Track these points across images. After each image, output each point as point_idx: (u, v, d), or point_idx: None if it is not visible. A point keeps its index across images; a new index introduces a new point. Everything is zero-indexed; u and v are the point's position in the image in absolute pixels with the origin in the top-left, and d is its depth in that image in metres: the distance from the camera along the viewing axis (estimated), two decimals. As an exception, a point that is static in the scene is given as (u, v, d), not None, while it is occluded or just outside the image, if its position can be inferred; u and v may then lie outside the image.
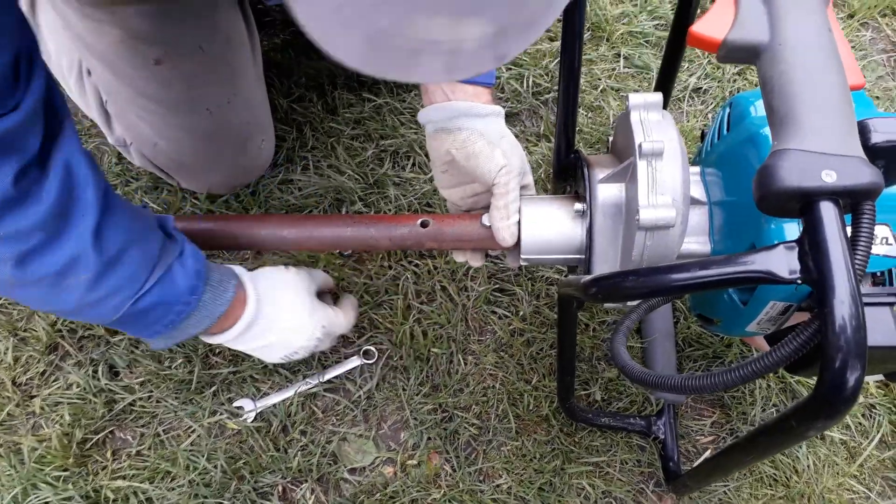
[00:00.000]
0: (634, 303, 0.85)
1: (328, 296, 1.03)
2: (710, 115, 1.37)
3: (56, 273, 0.66)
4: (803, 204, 0.53)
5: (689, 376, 0.59)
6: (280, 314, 0.89)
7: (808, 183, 0.52)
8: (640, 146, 0.70)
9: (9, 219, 0.62)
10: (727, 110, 0.84)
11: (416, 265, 1.13)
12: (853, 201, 0.53)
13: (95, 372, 1.00)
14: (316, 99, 1.24)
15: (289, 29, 1.32)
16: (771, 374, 1.13)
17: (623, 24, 1.43)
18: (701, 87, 1.39)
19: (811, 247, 0.52)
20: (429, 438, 1.04)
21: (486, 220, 0.86)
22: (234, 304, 0.84)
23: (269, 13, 1.32)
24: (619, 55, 1.40)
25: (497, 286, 1.14)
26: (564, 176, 0.92)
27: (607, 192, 0.78)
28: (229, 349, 0.97)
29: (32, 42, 0.62)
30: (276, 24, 1.32)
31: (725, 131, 0.84)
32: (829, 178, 0.52)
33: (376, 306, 1.12)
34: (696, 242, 0.82)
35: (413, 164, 1.21)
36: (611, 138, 0.88)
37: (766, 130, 0.76)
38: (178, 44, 0.91)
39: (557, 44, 1.39)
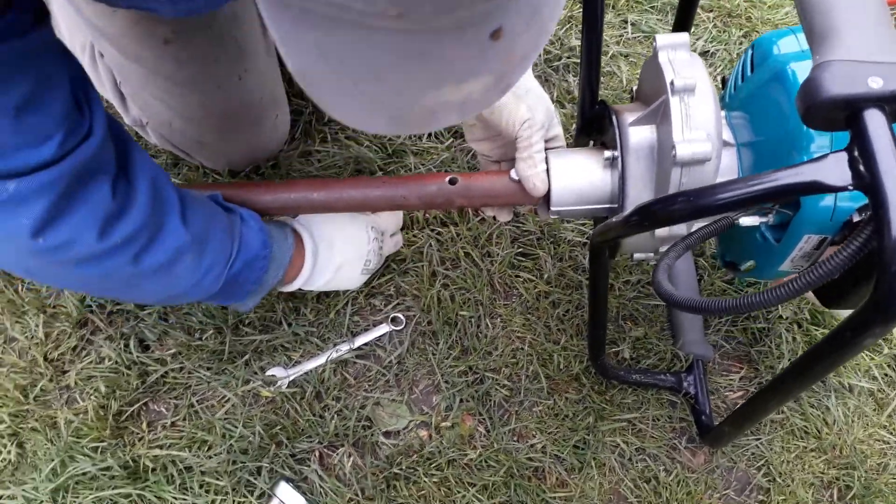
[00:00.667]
0: (667, 246, 0.85)
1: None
2: (717, 78, 1.37)
3: (166, 262, 0.74)
4: (850, 113, 0.54)
5: (740, 297, 0.59)
6: (332, 235, 0.96)
7: (854, 90, 0.52)
8: (671, 83, 0.71)
9: (119, 228, 0.69)
10: (750, 52, 0.85)
11: (439, 233, 1.13)
12: (900, 110, 0.54)
13: (127, 346, 1.00)
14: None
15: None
16: (796, 328, 1.14)
17: (628, -9, 1.44)
18: (708, 51, 1.39)
19: (861, 153, 0.52)
20: (461, 401, 1.04)
21: (514, 174, 0.86)
22: (296, 248, 0.92)
23: None
24: (626, 21, 1.40)
25: (520, 250, 1.14)
26: (588, 131, 0.92)
27: (638, 135, 0.79)
28: (307, 292, 1.05)
29: (80, 68, 0.68)
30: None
31: (749, 72, 0.84)
32: (876, 84, 0.52)
33: (402, 273, 1.12)
34: (728, 183, 0.82)
35: (431, 135, 1.21)
36: (635, 87, 0.89)
37: (792, 66, 0.77)
38: (185, 22, 0.93)
39: (564, 12, 1.39)
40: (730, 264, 0.94)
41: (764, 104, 0.80)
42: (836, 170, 0.52)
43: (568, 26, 1.37)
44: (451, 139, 1.21)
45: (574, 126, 0.96)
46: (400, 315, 1.09)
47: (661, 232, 0.80)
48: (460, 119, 0.51)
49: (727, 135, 0.84)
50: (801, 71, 0.74)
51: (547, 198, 0.86)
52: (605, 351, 1.02)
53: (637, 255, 0.91)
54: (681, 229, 0.81)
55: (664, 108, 0.73)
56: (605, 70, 1.33)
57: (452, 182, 0.88)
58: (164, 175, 0.77)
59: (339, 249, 0.96)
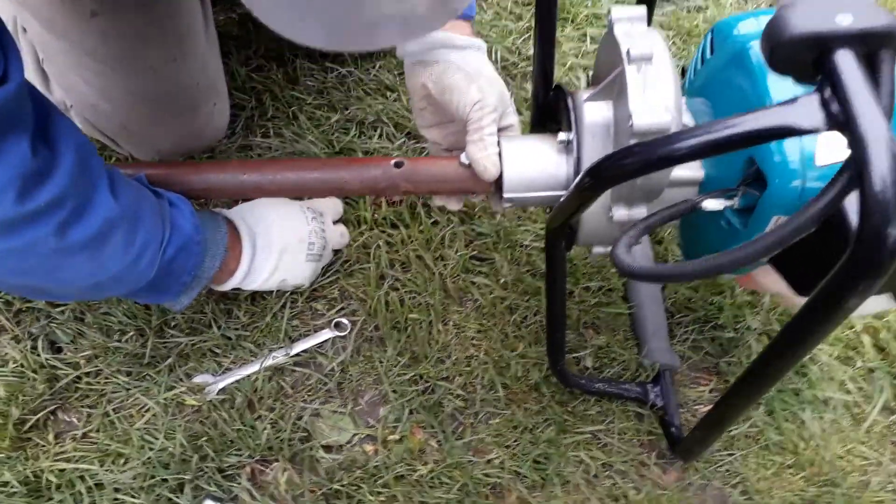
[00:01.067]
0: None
1: None
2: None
3: (95, 236, 0.67)
4: (818, 55, 0.49)
5: (707, 258, 0.53)
6: (267, 217, 0.90)
7: (822, 27, 0.48)
8: (627, 51, 0.66)
9: (42, 191, 0.62)
10: (709, 36, 0.81)
11: (389, 234, 1.06)
12: (870, 50, 0.49)
13: (34, 347, 0.89)
14: (276, 68, 1.18)
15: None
16: (766, 339, 1.08)
17: (586, 6, 1.42)
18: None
19: (834, 92, 0.47)
20: (410, 412, 0.95)
21: (464, 158, 0.80)
22: (231, 235, 0.85)
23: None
24: (585, 35, 1.38)
25: (475, 253, 1.08)
26: (543, 121, 0.87)
27: (594, 112, 0.73)
28: (243, 291, 0.97)
29: None
30: (235, -2, 1.27)
31: (709, 55, 0.80)
32: (845, 20, 0.48)
33: (347, 275, 1.04)
34: (688, 168, 0.77)
35: (381, 135, 1.15)
36: (590, 73, 0.84)
37: (752, 44, 0.73)
38: (120, 1, 0.87)
39: (522, 23, 1.36)
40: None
41: (724, 87, 0.76)
42: (806, 112, 0.47)
43: (526, 36, 1.34)
44: (404, 139, 1.15)
45: (530, 120, 0.91)
46: (344, 320, 1.01)
47: (619, 215, 0.74)
48: (403, 39, 0.49)
49: (688, 119, 0.79)
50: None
51: (499, 184, 0.80)
52: (566, 357, 0.94)
53: (596, 250, 0.85)
54: (640, 212, 0.75)
55: (620, 79, 0.68)
56: (564, 80, 1.30)
57: (398, 165, 0.81)
58: (90, 145, 0.70)
59: (278, 234, 0.89)
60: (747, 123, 0.47)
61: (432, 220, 1.08)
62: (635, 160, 0.51)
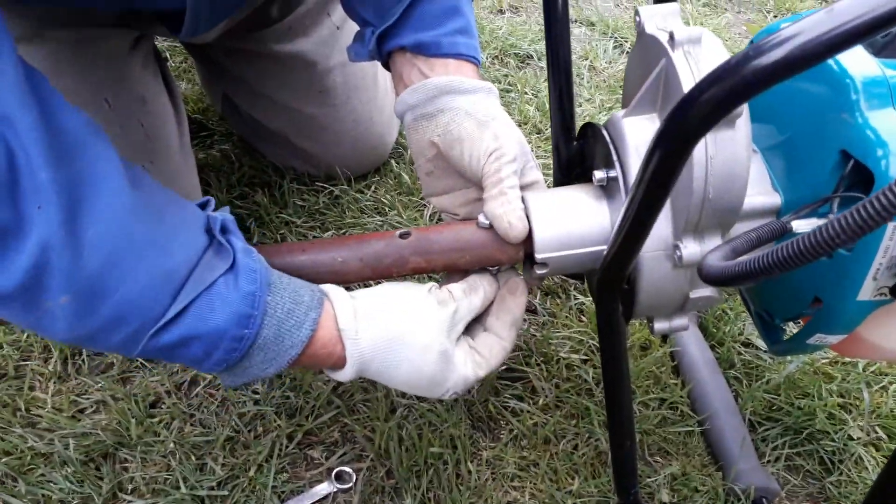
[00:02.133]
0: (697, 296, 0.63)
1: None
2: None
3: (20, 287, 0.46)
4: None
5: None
6: (395, 372, 0.62)
7: None
8: (671, 35, 0.55)
9: None
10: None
11: (398, 358, 0.88)
12: None
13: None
14: (262, 193, 1.08)
15: (229, 139, 1.19)
16: (874, 450, 0.86)
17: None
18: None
19: None
20: (441, 581, 0.70)
21: (483, 218, 0.66)
22: (320, 342, 0.59)
23: (206, 127, 1.21)
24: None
25: (504, 368, 0.89)
26: (569, 176, 0.75)
27: (636, 129, 0.60)
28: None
29: None
30: (215, 135, 1.20)
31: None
32: None
33: (349, 410, 0.84)
34: (761, 194, 0.63)
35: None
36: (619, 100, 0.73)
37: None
38: (79, 90, 0.80)
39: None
40: (770, 326, 0.71)
41: (776, 96, 0.64)
42: None
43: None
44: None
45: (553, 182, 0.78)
46: (347, 468, 0.79)
47: (689, 252, 0.58)
48: None
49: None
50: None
51: (529, 248, 0.65)
52: (638, 480, 0.72)
53: (658, 326, 0.68)
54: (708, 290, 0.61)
55: (665, 75, 0.57)
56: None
57: (404, 236, 0.66)
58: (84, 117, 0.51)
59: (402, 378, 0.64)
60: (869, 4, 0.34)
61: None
62: (737, 78, 0.37)
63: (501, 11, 1.71)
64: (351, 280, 0.67)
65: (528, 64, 1.51)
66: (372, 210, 1.07)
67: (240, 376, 0.58)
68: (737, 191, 0.56)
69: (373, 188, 1.11)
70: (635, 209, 0.49)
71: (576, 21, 1.71)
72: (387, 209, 1.08)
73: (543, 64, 1.47)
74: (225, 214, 0.58)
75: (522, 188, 0.68)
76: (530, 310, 0.98)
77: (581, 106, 1.39)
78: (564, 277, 1.02)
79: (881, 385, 0.92)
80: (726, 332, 0.95)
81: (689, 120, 0.40)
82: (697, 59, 0.54)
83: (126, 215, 0.49)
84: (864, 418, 0.89)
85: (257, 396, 0.85)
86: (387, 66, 0.76)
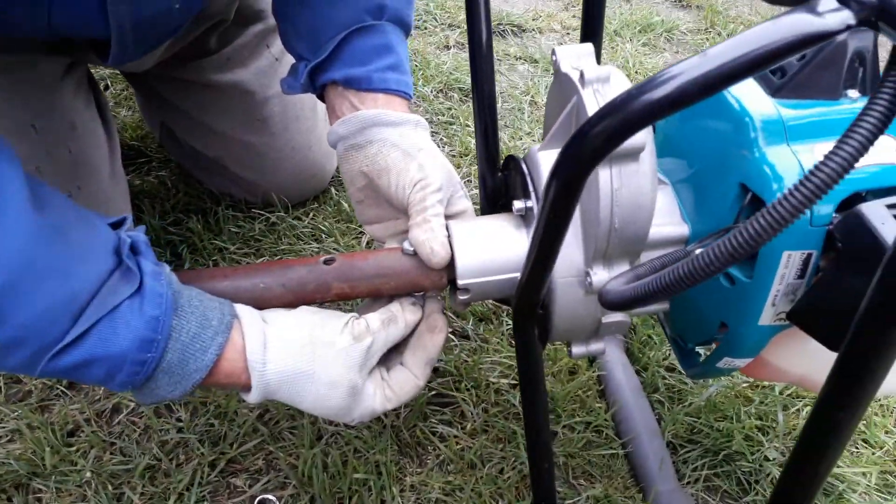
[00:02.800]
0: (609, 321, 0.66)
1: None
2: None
3: None
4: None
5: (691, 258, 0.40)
6: (301, 400, 0.63)
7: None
8: (581, 74, 0.58)
9: None
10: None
11: (328, 384, 0.88)
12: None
13: None
14: (196, 219, 1.07)
15: (167, 166, 1.19)
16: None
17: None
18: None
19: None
20: None
21: (408, 245, 0.68)
22: (226, 369, 0.59)
23: (145, 153, 1.20)
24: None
25: (433, 392, 0.90)
26: (494, 205, 0.77)
27: (551, 160, 0.63)
28: None
29: None
30: (153, 162, 1.19)
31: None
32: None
33: (274, 438, 0.83)
34: (670, 224, 0.66)
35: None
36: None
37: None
38: (4, 115, 0.80)
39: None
40: (684, 350, 0.74)
41: (687, 132, 0.69)
42: (826, 7, 0.36)
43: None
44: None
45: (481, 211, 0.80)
46: (270, 496, 0.79)
47: (598, 279, 0.60)
48: None
49: (659, 175, 0.70)
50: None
51: (452, 273, 0.67)
52: (559, 502, 0.73)
53: (576, 350, 0.70)
54: (619, 315, 0.64)
55: (576, 111, 0.60)
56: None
57: (329, 262, 0.67)
58: None
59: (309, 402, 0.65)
60: (757, 41, 0.37)
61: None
62: (623, 114, 0.39)
63: (448, 47, 1.75)
64: (274, 306, 0.68)
65: (470, 98, 1.55)
66: (308, 237, 1.08)
67: (148, 396, 0.58)
68: (642, 221, 0.58)
69: (311, 215, 1.12)
70: (540, 237, 0.51)
71: (520, 58, 1.76)
72: (324, 236, 1.08)
73: (484, 98, 1.51)
74: (137, 234, 0.58)
75: (451, 217, 0.70)
76: (463, 335, 0.99)
77: (522, 139, 1.43)
78: (497, 304, 1.04)
79: (796, 408, 0.96)
80: (651, 357, 0.98)
81: (581, 152, 0.43)
82: (605, 96, 0.57)
83: (26, 240, 0.49)
84: (780, 440, 0.92)
85: (181, 424, 0.84)
86: (322, 98, 0.79)
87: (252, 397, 0.61)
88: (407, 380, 0.67)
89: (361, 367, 0.63)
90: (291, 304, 0.68)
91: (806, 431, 0.46)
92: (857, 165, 0.57)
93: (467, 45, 0.75)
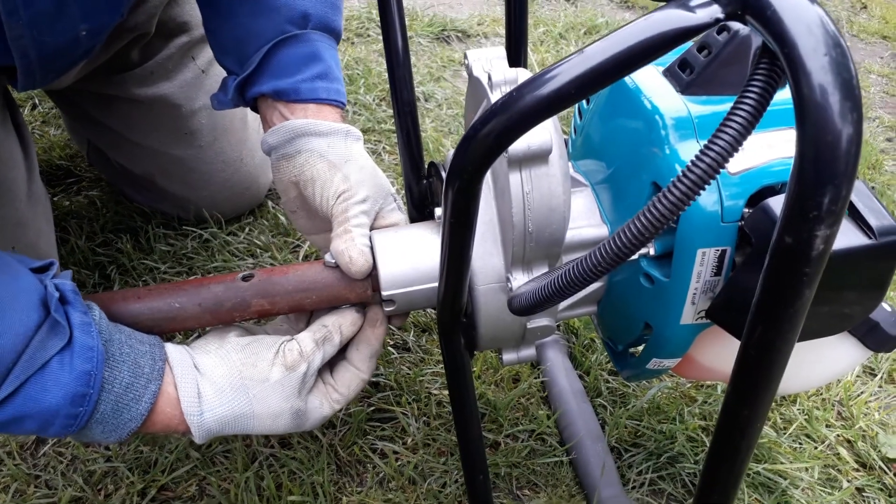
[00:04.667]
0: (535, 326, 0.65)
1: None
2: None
3: None
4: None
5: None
6: (250, 431, 0.63)
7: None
8: (489, 76, 0.57)
9: None
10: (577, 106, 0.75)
11: (263, 404, 0.85)
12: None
13: None
14: (127, 239, 1.04)
15: (98, 185, 1.15)
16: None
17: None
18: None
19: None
20: None
21: (329, 257, 0.66)
22: (162, 417, 0.58)
23: (74, 173, 1.17)
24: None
25: (372, 408, 0.88)
26: (422, 212, 0.76)
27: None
28: None
29: None
30: (83, 181, 1.16)
31: (579, 120, 0.73)
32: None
33: (207, 462, 0.81)
34: (590, 226, 0.65)
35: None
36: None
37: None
38: None
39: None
40: (615, 351, 0.74)
41: (605, 133, 0.68)
42: (694, 3, 0.36)
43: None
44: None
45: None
46: (203, 523, 0.76)
47: (518, 283, 0.59)
48: None
49: (578, 177, 0.70)
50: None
51: (377, 284, 0.65)
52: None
53: (506, 357, 0.69)
54: (543, 319, 0.63)
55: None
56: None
57: (247, 278, 0.65)
58: None
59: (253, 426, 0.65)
60: (631, 37, 0.36)
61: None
62: (508, 115, 0.38)
63: (391, 55, 1.74)
64: (191, 327, 0.65)
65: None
66: (244, 252, 1.05)
67: (84, 438, 0.56)
68: (557, 223, 0.57)
69: (246, 230, 1.09)
70: (447, 244, 0.50)
71: (464, 64, 1.76)
72: (259, 251, 1.06)
73: (430, 105, 1.50)
74: (64, 282, 0.56)
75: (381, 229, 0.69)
76: (404, 347, 0.97)
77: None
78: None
79: (739, 405, 0.96)
80: (594, 360, 0.97)
81: (470, 156, 0.41)
82: (511, 97, 0.56)
83: None
84: (724, 439, 0.92)
85: (109, 453, 0.80)
86: (256, 109, 0.78)
87: (197, 440, 0.60)
88: (353, 377, 0.67)
89: (300, 392, 0.63)
90: (209, 324, 0.66)
91: (717, 431, 0.45)
92: (768, 159, 0.57)
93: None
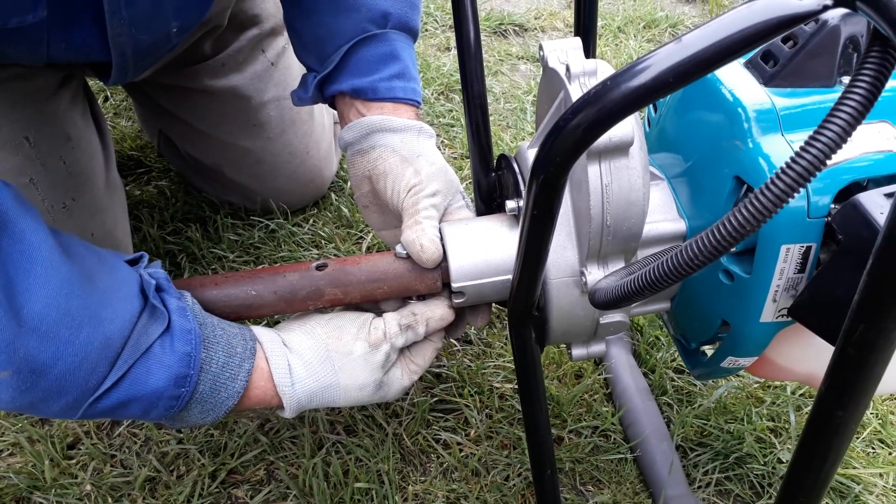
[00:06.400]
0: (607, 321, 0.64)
1: None
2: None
3: None
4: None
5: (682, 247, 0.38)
6: (336, 404, 0.66)
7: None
8: (567, 68, 0.56)
9: None
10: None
11: (328, 392, 0.87)
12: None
13: None
14: (197, 228, 1.07)
15: (167, 176, 1.19)
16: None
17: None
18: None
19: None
20: None
21: (400, 249, 0.66)
22: (256, 393, 0.61)
23: (144, 164, 1.20)
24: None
25: (435, 398, 0.88)
26: (489, 205, 0.76)
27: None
28: None
29: None
30: (153, 171, 1.19)
31: (654, 113, 0.72)
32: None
33: (275, 448, 0.82)
34: (667, 220, 0.64)
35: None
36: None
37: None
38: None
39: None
40: (687, 350, 0.72)
41: (682, 126, 0.67)
42: None
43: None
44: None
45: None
46: (273, 507, 0.78)
47: (593, 278, 0.59)
48: None
49: (654, 170, 0.69)
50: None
51: (447, 276, 0.65)
52: (562, 509, 0.72)
53: (576, 353, 0.68)
54: (617, 315, 0.62)
55: (564, 106, 0.58)
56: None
57: (321, 268, 0.66)
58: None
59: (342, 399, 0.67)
60: (733, 25, 0.35)
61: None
62: (599, 106, 0.38)
63: (448, 49, 1.73)
64: (265, 314, 0.67)
65: (472, 99, 1.53)
66: (308, 243, 1.07)
67: (180, 423, 0.59)
68: (635, 217, 0.57)
69: (311, 221, 1.11)
70: (526, 238, 0.50)
71: (522, 58, 1.75)
72: (324, 242, 1.07)
73: (488, 99, 1.49)
74: (157, 271, 0.59)
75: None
76: (466, 340, 0.97)
77: (525, 140, 1.41)
78: (500, 307, 1.02)
79: (809, 408, 0.93)
80: (658, 358, 0.96)
81: (559, 148, 0.41)
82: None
83: (60, 291, 0.49)
84: (793, 441, 0.89)
85: (181, 435, 0.83)
86: (334, 106, 0.80)
87: (287, 414, 0.63)
88: (428, 347, 0.69)
89: (384, 367, 0.65)
90: (284, 311, 0.67)
91: (806, 433, 0.44)
92: (857, 153, 0.56)
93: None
